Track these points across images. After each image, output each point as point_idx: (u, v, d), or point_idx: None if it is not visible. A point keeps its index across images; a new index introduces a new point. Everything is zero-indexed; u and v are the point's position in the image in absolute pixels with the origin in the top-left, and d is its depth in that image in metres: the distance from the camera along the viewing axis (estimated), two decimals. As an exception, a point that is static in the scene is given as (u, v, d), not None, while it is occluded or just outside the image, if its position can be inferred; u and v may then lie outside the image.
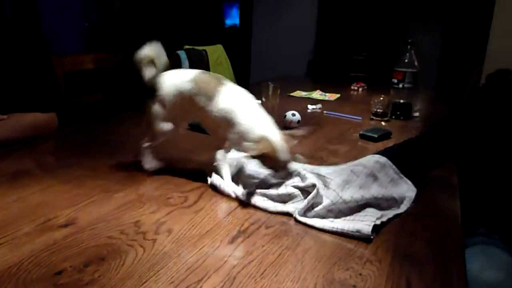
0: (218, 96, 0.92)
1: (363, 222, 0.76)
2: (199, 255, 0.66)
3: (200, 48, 2.76)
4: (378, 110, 1.70)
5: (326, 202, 0.81)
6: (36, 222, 0.74)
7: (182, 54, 2.54)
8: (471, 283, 0.71)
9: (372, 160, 0.95)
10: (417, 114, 1.83)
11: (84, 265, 0.62)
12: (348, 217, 0.79)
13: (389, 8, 4.20)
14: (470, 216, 0.88)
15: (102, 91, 2.01)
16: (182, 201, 0.86)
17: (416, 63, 1.73)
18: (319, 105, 1.91)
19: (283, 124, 1.50)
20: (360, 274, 0.64)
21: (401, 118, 1.72)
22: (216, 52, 2.93)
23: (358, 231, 0.74)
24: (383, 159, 0.95)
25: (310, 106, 1.89)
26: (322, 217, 0.79)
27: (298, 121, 1.50)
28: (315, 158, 1.17)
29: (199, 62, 2.64)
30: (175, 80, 0.97)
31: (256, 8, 4.65)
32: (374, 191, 0.86)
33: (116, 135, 1.38)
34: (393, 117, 1.72)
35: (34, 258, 0.63)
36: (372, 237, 0.73)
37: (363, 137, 1.42)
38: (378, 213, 0.81)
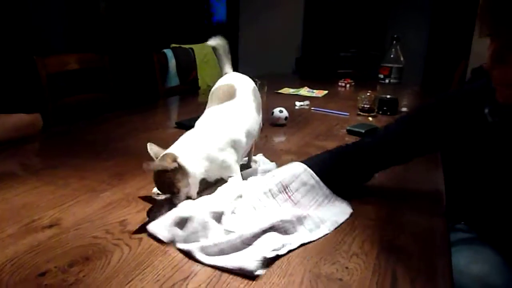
0: None
1: (250, 257, 0.63)
2: (185, 253, 0.66)
3: (187, 46, 2.74)
4: (365, 106, 1.71)
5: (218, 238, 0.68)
6: (20, 224, 0.73)
7: (168, 52, 2.52)
8: (457, 276, 0.71)
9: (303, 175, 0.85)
10: (404, 109, 1.85)
11: (68, 265, 0.61)
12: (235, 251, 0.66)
13: (375, 4, 4.22)
14: (449, 211, 0.89)
15: (88, 91, 1.99)
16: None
17: (402, 59, 1.74)
18: (307, 102, 1.91)
19: (271, 121, 1.51)
20: (347, 268, 0.64)
21: (388, 113, 1.73)
22: (203, 50, 2.91)
23: (240, 268, 0.61)
24: (314, 179, 0.86)
25: (297, 103, 1.89)
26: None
27: (286, 118, 1.50)
28: (302, 154, 1.17)
29: (186, 60, 2.63)
30: None
31: (243, 5, 4.64)
32: (285, 214, 0.75)
33: (102, 135, 1.37)
34: (380, 112, 1.74)
35: (17, 260, 0.62)
36: (256, 274, 0.61)
37: (350, 132, 1.43)
38: (279, 242, 0.68)
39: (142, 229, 0.73)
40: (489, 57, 0.64)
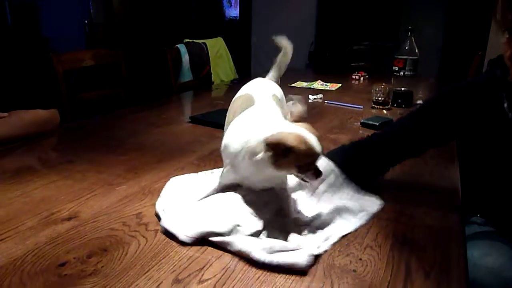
0: None
1: (299, 253, 0.64)
2: (200, 244, 0.67)
3: (200, 41, 2.75)
4: (379, 99, 1.70)
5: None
6: (39, 216, 0.75)
7: (182, 47, 2.54)
8: (471, 269, 0.71)
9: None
10: (419, 102, 1.83)
11: (87, 256, 0.63)
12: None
13: (389, -4, 4.16)
14: (465, 203, 0.88)
15: (103, 86, 2.02)
16: (183, 193, 0.86)
17: (416, 50, 1.72)
18: (320, 95, 1.91)
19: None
20: (360, 259, 0.64)
21: (403, 106, 1.71)
22: (216, 45, 2.92)
23: (293, 265, 0.61)
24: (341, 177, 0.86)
25: (311, 96, 1.89)
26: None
27: (299, 112, 1.50)
28: (315, 148, 1.17)
29: (199, 55, 2.64)
30: None
31: (255, 0, 4.62)
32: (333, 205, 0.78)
33: (117, 130, 1.39)
34: (395, 105, 1.72)
35: (38, 251, 0.64)
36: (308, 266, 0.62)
37: (364, 125, 1.42)
38: (321, 238, 0.70)
39: (158, 221, 0.74)
40: (509, 55, 0.63)
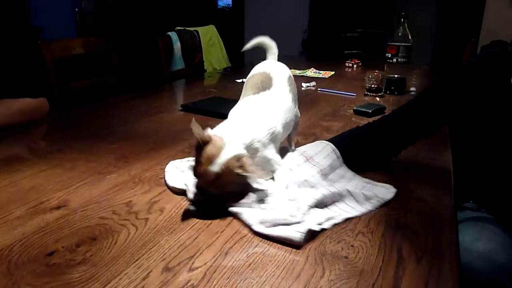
0: None
1: (296, 229, 0.65)
2: (191, 232, 0.66)
3: (192, 29, 2.72)
4: (373, 86, 1.69)
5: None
6: (28, 206, 0.74)
7: (173, 35, 2.51)
8: (463, 253, 0.71)
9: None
10: (412, 89, 1.82)
11: (76, 245, 0.62)
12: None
13: (383, -17, 4.13)
14: (458, 189, 0.88)
15: (95, 75, 1.99)
16: (174, 181, 0.85)
17: (410, 37, 1.70)
18: (313, 83, 1.90)
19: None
20: (352, 246, 0.64)
21: (396, 93, 1.71)
22: (208, 33, 2.89)
23: (286, 238, 0.64)
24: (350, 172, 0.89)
25: (304, 84, 1.88)
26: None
27: (292, 99, 1.49)
28: (308, 135, 1.16)
29: (191, 43, 2.61)
30: None
31: (248, -13, 4.57)
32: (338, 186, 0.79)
33: (107, 118, 1.37)
34: (388, 92, 1.71)
35: (26, 240, 0.63)
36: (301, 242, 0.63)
37: (357, 112, 1.41)
38: (323, 216, 0.71)
39: (148, 210, 0.73)
40: None
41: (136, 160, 0.96)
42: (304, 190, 0.78)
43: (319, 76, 2.13)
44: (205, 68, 2.72)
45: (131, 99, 1.63)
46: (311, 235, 0.66)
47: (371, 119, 1.02)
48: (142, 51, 3.62)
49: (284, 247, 0.63)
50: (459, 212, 1.03)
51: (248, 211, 0.71)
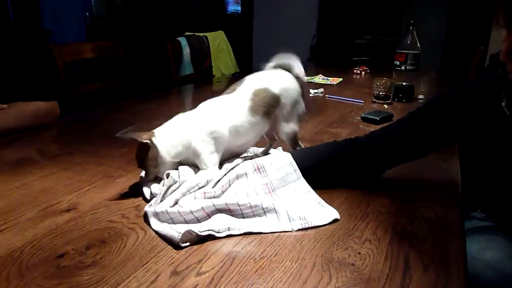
0: None
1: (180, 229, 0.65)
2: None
3: (201, 34, 2.74)
4: (381, 93, 1.69)
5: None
6: (38, 208, 0.75)
7: (182, 40, 2.53)
8: (470, 263, 0.71)
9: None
10: (421, 96, 1.82)
11: (85, 248, 0.63)
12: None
13: (391, -10, 4.13)
14: (465, 198, 0.87)
15: (103, 79, 2.01)
16: (182, 185, 0.86)
17: (418, 44, 1.71)
18: (321, 89, 1.90)
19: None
20: (359, 253, 0.64)
21: (404, 100, 1.71)
22: (217, 38, 2.91)
23: (166, 236, 0.65)
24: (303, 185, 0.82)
25: (312, 91, 1.88)
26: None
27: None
28: (316, 142, 1.17)
29: (200, 48, 2.63)
30: None
31: (257, -7, 4.60)
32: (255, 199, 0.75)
33: (117, 122, 1.39)
34: (396, 99, 1.71)
35: (36, 242, 0.64)
36: (181, 246, 0.63)
37: (365, 119, 1.41)
38: (224, 224, 0.69)
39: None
40: (505, 51, 0.62)
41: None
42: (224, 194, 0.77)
43: (327, 83, 2.13)
44: (213, 73, 2.74)
45: (140, 103, 1.64)
46: (195, 237, 0.65)
47: (378, 127, 1.01)
48: (152, 56, 3.65)
49: (292, 253, 0.63)
50: (466, 221, 1.02)
51: (154, 200, 0.74)
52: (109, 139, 1.17)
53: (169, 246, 0.64)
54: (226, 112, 0.87)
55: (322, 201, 0.79)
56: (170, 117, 1.43)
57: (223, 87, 2.19)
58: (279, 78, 0.95)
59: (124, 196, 0.81)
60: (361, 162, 0.88)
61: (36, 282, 0.55)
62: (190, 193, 0.76)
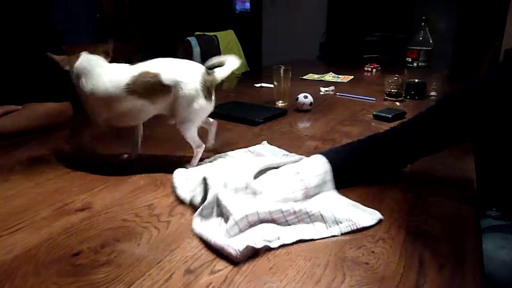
0: None
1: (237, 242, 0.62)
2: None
3: (211, 34, 2.75)
4: (392, 91, 1.68)
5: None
6: (53, 207, 0.76)
7: (192, 40, 2.54)
8: (485, 262, 0.70)
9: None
10: (433, 93, 1.80)
11: (100, 246, 0.64)
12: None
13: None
14: (481, 197, 0.86)
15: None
16: (195, 184, 0.86)
17: (430, 41, 1.69)
18: (332, 87, 1.89)
19: (296, 107, 1.50)
20: (373, 252, 0.64)
21: (416, 97, 1.69)
22: (227, 37, 2.91)
23: (223, 249, 0.61)
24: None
25: (322, 89, 1.87)
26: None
27: (311, 103, 1.49)
28: (327, 140, 1.16)
29: (210, 48, 2.64)
30: None
31: (266, -9, 4.60)
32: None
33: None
34: (408, 97, 1.70)
35: (52, 241, 0.65)
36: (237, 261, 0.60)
37: (377, 117, 1.40)
38: (274, 233, 0.67)
39: (170, 212, 0.74)
40: None
41: (156, 164, 0.98)
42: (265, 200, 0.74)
43: (337, 81, 2.12)
44: (223, 72, 2.74)
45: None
46: (251, 251, 0.62)
47: (390, 125, 1.00)
48: (162, 56, 3.67)
49: (305, 252, 0.63)
50: (482, 219, 1.01)
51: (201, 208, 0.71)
52: (120, 139, 1.17)
53: (182, 245, 0.64)
54: (110, 75, 0.92)
55: (358, 204, 0.77)
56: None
57: (233, 86, 2.20)
58: (179, 68, 0.90)
59: (136, 195, 0.82)
60: (386, 156, 0.88)
61: (52, 280, 0.56)
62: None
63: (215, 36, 2.75)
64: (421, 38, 1.69)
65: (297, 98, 1.49)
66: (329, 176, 0.81)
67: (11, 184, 0.86)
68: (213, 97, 0.93)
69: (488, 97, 0.81)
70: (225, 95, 1.80)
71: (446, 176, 0.97)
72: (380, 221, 0.72)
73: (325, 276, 0.58)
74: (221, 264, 0.60)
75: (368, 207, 0.77)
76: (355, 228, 0.69)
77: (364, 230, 0.70)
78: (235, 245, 0.61)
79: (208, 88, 0.91)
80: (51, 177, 0.90)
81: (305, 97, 1.48)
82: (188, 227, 0.69)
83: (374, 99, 1.69)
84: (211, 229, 0.67)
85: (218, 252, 0.62)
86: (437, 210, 0.78)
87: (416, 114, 0.91)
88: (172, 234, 0.67)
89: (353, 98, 1.73)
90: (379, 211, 0.75)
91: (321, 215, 0.71)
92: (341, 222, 0.70)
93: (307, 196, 0.78)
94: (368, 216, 0.73)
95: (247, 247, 0.61)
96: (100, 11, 4.36)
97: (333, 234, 0.68)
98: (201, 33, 2.73)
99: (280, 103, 1.59)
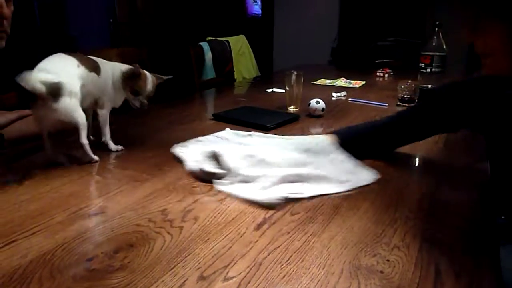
0: None
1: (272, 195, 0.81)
2: (225, 242, 0.67)
3: (223, 39, 2.76)
4: (405, 96, 1.66)
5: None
6: (68, 211, 0.77)
7: (205, 45, 2.55)
8: (502, 271, 0.69)
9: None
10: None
11: (114, 251, 0.64)
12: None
13: (414, -10, 4.07)
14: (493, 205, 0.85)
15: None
16: (207, 190, 0.87)
17: (444, 46, 1.67)
18: (344, 93, 1.88)
19: (308, 112, 1.49)
20: (388, 260, 0.63)
21: (429, 103, 1.67)
22: (238, 42, 2.92)
23: (262, 202, 0.80)
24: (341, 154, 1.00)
25: (334, 94, 1.87)
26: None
27: (323, 109, 1.49)
28: (340, 146, 1.16)
29: (221, 53, 2.65)
30: None
31: (278, -4, 4.61)
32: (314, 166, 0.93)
33: (141, 127, 1.41)
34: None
35: (67, 245, 0.65)
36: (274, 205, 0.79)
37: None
38: (296, 188, 0.85)
39: (183, 218, 0.74)
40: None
41: (170, 169, 0.98)
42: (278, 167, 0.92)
43: (349, 86, 2.12)
44: (235, 77, 2.75)
45: (163, 108, 1.66)
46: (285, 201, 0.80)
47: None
48: (174, 61, 3.70)
49: (318, 259, 0.63)
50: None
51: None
52: (133, 144, 1.19)
53: (196, 251, 0.64)
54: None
55: (360, 163, 0.96)
56: (193, 121, 1.44)
57: (245, 91, 2.20)
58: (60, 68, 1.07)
59: (150, 200, 0.82)
60: (375, 139, 1.06)
61: (67, 284, 0.56)
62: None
63: (227, 41, 2.77)
64: (434, 44, 1.67)
65: (309, 104, 1.49)
66: (334, 147, 1.01)
67: (26, 188, 0.88)
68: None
69: (476, 89, 0.93)
70: (237, 100, 1.80)
71: (461, 185, 0.95)
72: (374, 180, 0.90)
73: (340, 284, 0.57)
74: (234, 271, 0.59)
75: (382, 215, 0.77)
76: (354, 187, 0.87)
77: (376, 236, 0.69)
78: (268, 196, 0.80)
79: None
80: (66, 182, 0.91)
81: (317, 102, 1.48)
82: (201, 233, 0.69)
83: (386, 104, 1.68)
84: (240, 189, 0.85)
85: (232, 256, 0.62)
86: (452, 219, 0.77)
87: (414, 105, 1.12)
88: (185, 240, 0.67)
89: (366, 104, 1.72)
90: (394, 219, 0.75)
91: (326, 176, 0.90)
92: (349, 181, 0.89)
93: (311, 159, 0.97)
94: (364, 175, 0.92)
95: (283, 198, 0.80)
96: (113, 16, 4.41)
97: (341, 190, 0.86)
98: (213, 38, 2.74)
99: (292, 109, 1.58)
